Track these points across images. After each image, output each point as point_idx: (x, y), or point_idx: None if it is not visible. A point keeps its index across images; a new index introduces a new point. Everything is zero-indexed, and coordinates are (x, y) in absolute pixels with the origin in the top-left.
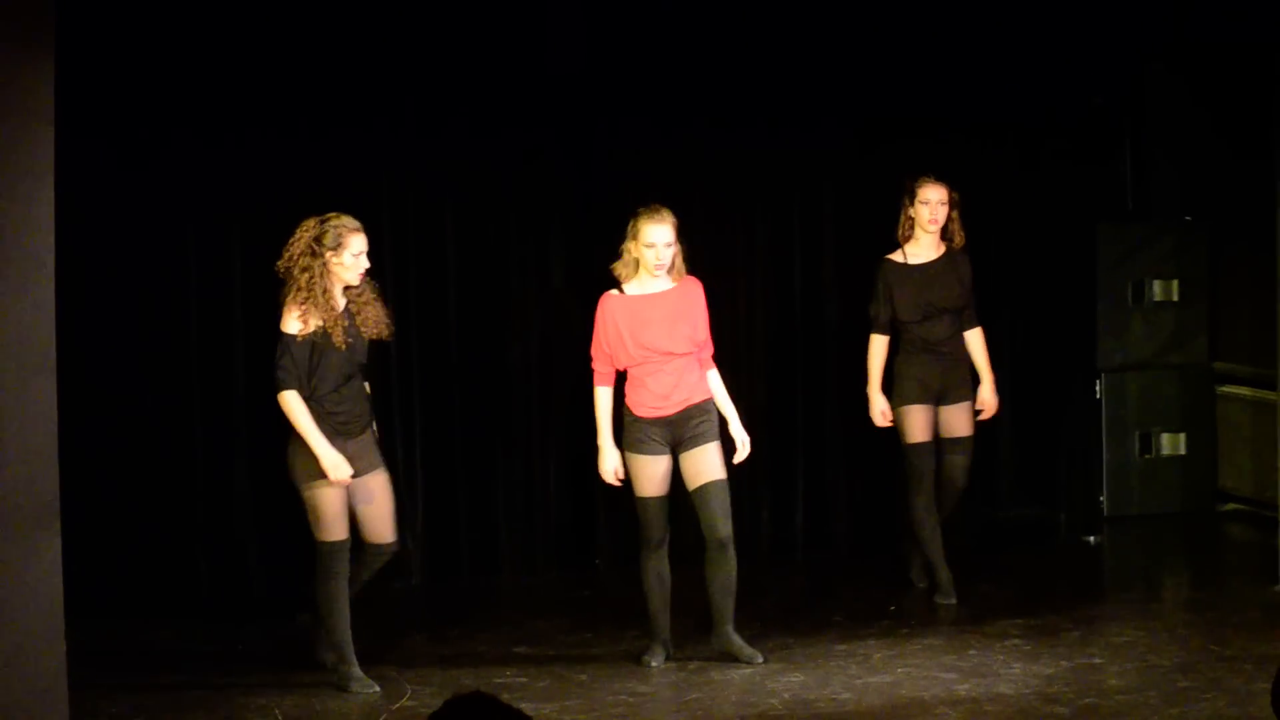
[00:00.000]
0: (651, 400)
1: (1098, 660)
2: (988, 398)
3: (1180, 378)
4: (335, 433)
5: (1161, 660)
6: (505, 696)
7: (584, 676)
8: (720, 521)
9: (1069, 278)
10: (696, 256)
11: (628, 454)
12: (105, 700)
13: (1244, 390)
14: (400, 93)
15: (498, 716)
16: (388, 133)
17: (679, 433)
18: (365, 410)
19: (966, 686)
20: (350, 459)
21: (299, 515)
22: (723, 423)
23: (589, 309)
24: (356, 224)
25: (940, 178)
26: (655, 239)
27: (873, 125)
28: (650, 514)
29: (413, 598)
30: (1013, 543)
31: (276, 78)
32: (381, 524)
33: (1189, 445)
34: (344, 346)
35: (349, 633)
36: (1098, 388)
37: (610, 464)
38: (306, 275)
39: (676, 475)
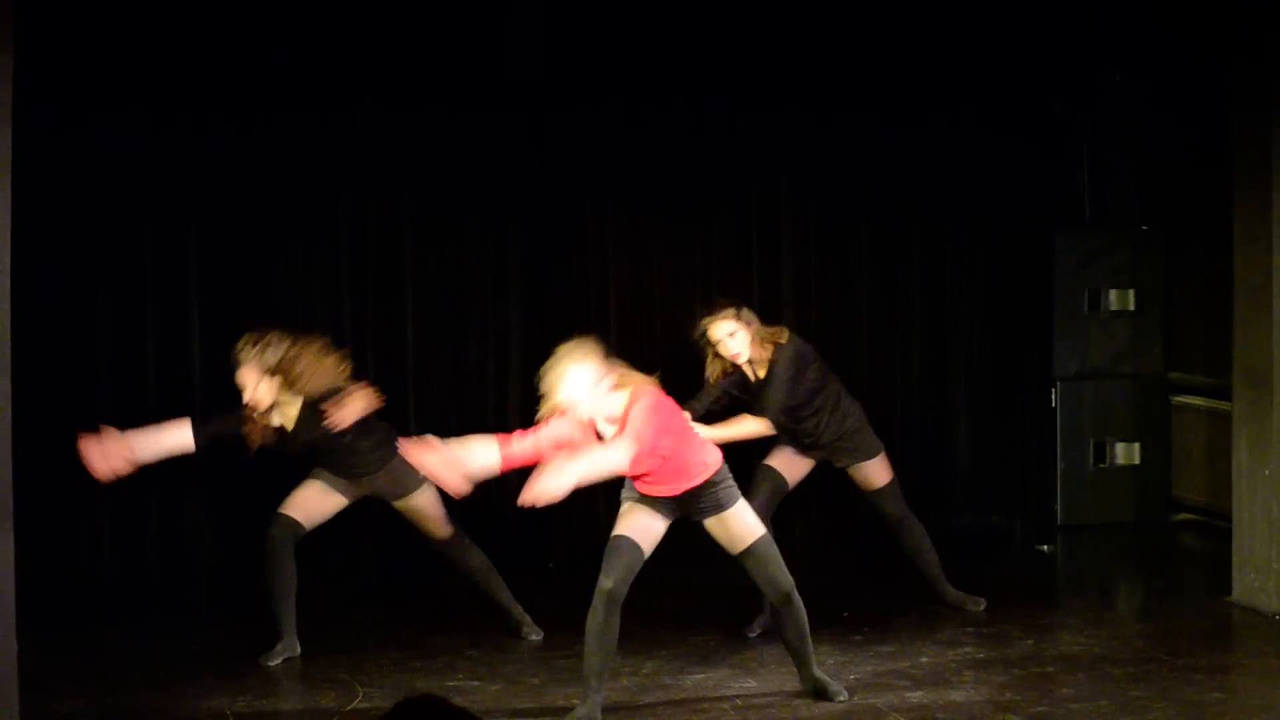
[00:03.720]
0: (653, 487)
1: (1050, 669)
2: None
3: (1135, 387)
4: None
5: (1114, 669)
6: (457, 699)
7: (536, 680)
8: (779, 576)
9: (1025, 286)
10: (654, 256)
11: (623, 498)
12: (57, 701)
13: (1198, 400)
14: (359, 92)
15: (448, 719)
16: (346, 131)
17: (690, 509)
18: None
19: (919, 694)
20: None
21: (253, 516)
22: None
23: (547, 310)
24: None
25: (717, 309)
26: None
27: (828, 130)
28: (615, 552)
29: (366, 600)
30: (967, 551)
31: (236, 74)
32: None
33: (1143, 455)
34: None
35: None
36: (1053, 396)
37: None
38: None
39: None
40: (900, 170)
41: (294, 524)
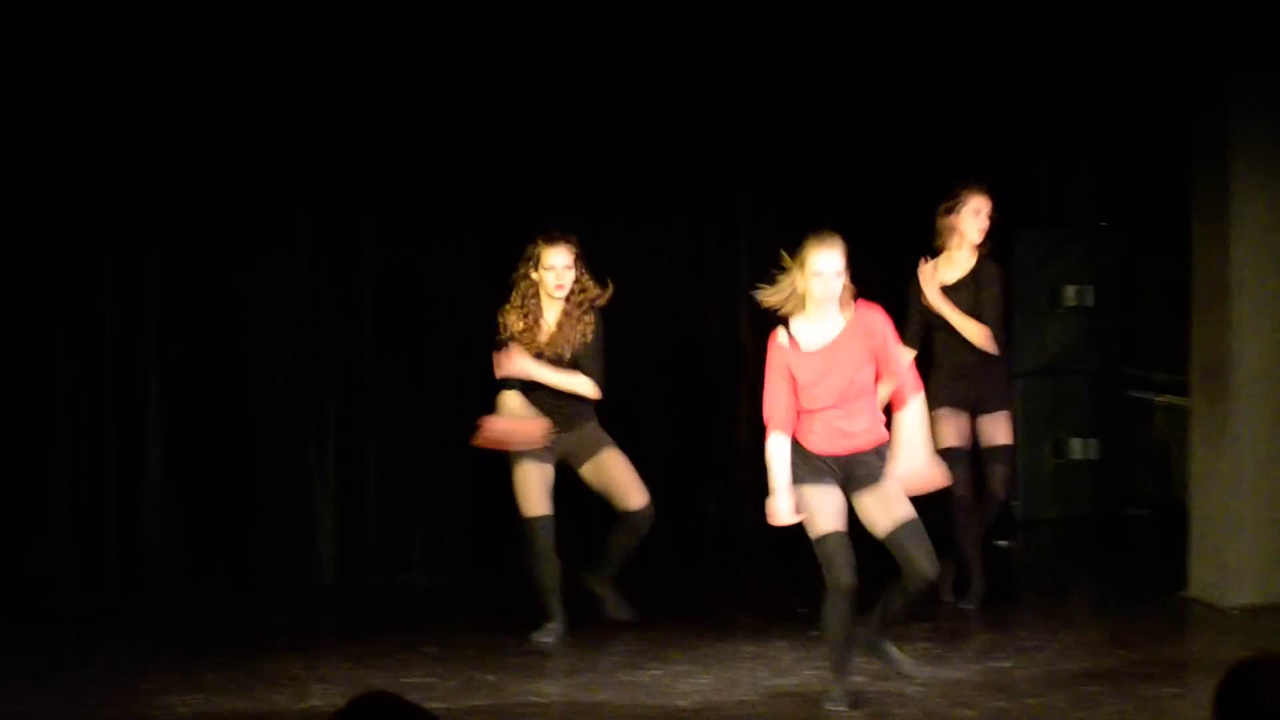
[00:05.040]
0: (820, 443)
1: (1006, 664)
2: None
3: (1094, 383)
4: None
5: (1070, 664)
6: (413, 696)
7: (492, 678)
8: (921, 561)
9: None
10: (613, 255)
11: (796, 481)
12: (11, 699)
13: (1157, 396)
14: (314, 94)
15: (402, 716)
16: (303, 132)
17: (851, 474)
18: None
19: (875, 689)
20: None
21: (210, 517)
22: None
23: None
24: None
25: (981, 185)
26: (823, 268)
27: (787, 126)
28: (831, 551)
29: (323, 597)
30: None
31: (191, 78)
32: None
33: (1101, 450)
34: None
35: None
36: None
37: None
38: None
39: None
40: (859, 167)
41: (553, 522)
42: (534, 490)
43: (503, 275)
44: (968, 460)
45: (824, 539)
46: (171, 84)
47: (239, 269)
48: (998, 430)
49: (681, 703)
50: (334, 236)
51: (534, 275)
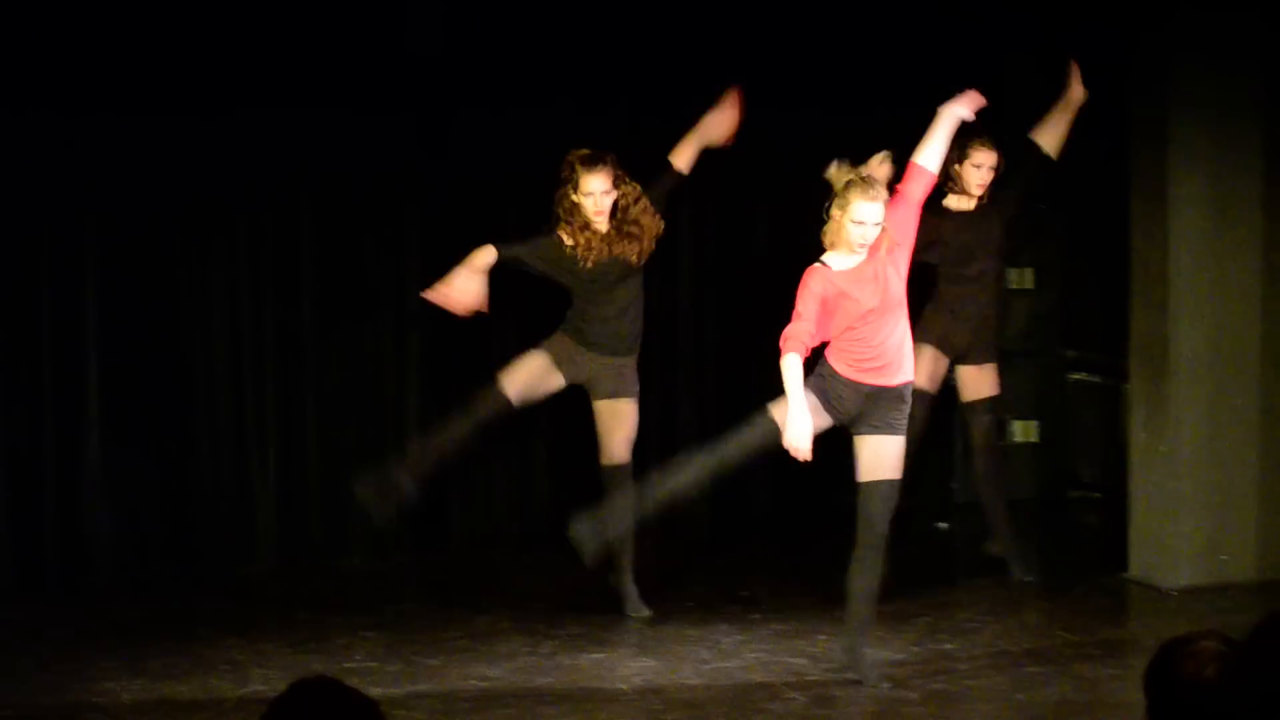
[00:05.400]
0: (851, 365)
1: (948, 646)
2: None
3: (1033, 365)
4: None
5: (1011, 646)
6: (354, 681)
7: (435, 661)
8: (881, 524)
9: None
10: None
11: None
12: None
13: (1096, 378)
14: (252, 81)
15: (342, 701)
16: (241, 121)
17: (867, 413)
18: None
19: (816, 672)
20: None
21: (150, 502)
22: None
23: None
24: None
25: (986, 140)
26: (865, 217)
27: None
28: (758, 432)
29: (263, 581)
30: None
31: (128, 65)
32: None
33: (1041, 432)
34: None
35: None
36: (951, 374)
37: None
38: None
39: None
40: (802, 155)
41: (505, 402)
42: (526, 375)
43: (445, 254)
44: (929, 404)
45: (768, 425)
46: (111, 73)
47: (177, 254)
48: (983, 382)
49: (624, 686)
50: (273, 218)
51: (573, 196)
